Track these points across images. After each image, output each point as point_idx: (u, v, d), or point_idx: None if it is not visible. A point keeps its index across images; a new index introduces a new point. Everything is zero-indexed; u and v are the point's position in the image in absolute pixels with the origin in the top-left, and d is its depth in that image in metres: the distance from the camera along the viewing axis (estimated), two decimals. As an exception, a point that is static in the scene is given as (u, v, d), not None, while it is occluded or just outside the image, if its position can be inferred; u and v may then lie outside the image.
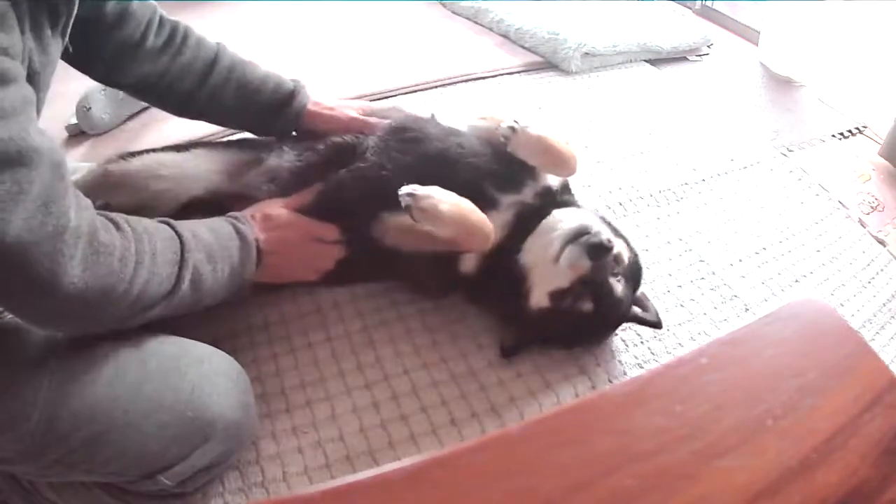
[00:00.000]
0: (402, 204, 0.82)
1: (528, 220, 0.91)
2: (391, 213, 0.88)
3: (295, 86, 1.00)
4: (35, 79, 0.58)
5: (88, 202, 0.62)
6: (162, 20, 0.89)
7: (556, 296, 0.86)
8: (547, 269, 0.87)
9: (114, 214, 0.66)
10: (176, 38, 0.89)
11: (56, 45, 0.62)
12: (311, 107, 1.01)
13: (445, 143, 0.93)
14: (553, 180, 0.97)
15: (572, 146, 0.95)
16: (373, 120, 1.00)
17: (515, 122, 0.91)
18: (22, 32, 0.54)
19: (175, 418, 0.69)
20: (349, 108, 1.03)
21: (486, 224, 0.86)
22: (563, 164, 0.93)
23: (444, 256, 0.90)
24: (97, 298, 0.60)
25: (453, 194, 0.84)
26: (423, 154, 0.92)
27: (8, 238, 0.51)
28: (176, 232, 0.72)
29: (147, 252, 0.66)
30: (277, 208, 0.89)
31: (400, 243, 0.90)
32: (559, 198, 0.97)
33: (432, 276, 0.95)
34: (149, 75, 0.89)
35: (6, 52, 0.51)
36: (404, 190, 0.82)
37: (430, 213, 0.82)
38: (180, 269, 0.70)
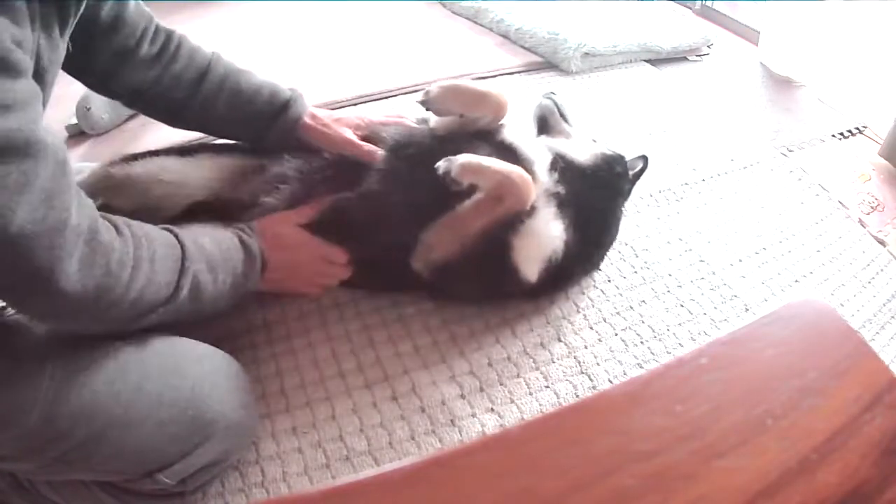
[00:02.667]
0: (441, 171, 0.85)
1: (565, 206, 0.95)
2: (423, 230, 0.91)
3: (291, 95, 0.97)
4: (43, 76, 0.58)
5: (90, 202, 0.62)
6: (157, 29, 0.88)
7: None
8: None
9: (115, 217, 0.66)
10: (170, 46, 0.89)
11: (62, 45, 0.62)
12: (307, 119, 0.98)
13: (444, 153, 0.91)
14: (564, 150, 1.01)
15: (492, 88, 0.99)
16: (367, 146, 0.96)
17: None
18: (33, 29, 0.54)
19: (175, 417, 0.69)
20: (346, 127, 0.99)
21: (523, 171, 0.88)
22: (483, 100, 0.97)
23: (502, 269, 0.92)
24: (92, 299, 0.61)
25: None
26: (428, 170, 0.89)
27: (12, 228, 0.51)
28: (178, 240, 0.73)
29: (146, 258, 0.66)
30: (288, 227, 0.89)
31: (447, 248, 0.90)
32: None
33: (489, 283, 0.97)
34: (142, 83, 0.88)
35: (20, 45, 0.52)
36: (440, 163, 0.86)
37: (471, 165, 0.85)
38: (179, 277, 0.70)
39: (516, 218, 0.90)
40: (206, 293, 0.75)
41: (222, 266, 0.77)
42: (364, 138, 0.98)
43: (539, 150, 0.99)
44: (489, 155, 0.90)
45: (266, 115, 0.96)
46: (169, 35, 0.89)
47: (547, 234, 0.93)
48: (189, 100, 0.92)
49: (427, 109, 0.96)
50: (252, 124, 0.97)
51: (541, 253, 0.93)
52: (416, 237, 0.92)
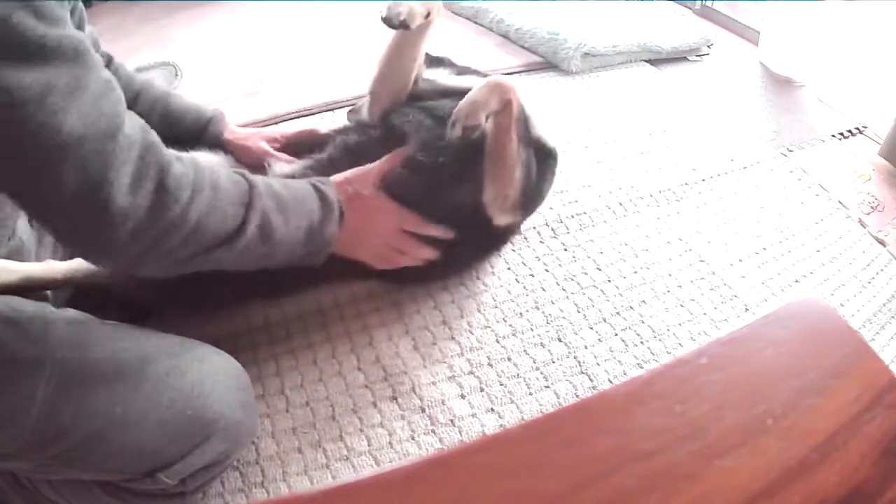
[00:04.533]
0: (456, 134, 0.84)
1: None
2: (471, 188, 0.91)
3: (213, 115, 1.04)
4: None
5: (143, 122, 0.61)
6: (101, 52, 0.89)
7: None
8: None
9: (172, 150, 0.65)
10: (110, 68, 0.89)
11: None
12: (226, 135, 1.05)
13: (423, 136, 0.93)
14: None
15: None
16: (281, 155, 1.03)
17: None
18: None
19: (174, 416, 0.69)
20: (262, 139, 1.06)
21: (490, 78, 0.87)
22: (401, 64, 0.98)
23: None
24: (149, 216, 0.58)
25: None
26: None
27: (64, 128, 0.51)
28: (244, 176, 0.71)
29: (207, 182, 0.64)
30: (368, 187, 0.86)
31: (513, 182, 0.90)
32: None
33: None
34: None
35: None
36: (449, 132, 0.84)
37: (469, 108, 0.84)
38: (247, 210, 0.68)
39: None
40: (278, 234, 0.71)
41: (294, 209, 0.74)
42: (280, 149, 1.05)
43: (468, 79, 1.02)
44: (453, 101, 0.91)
45: (192, 133, 1.02)
46: (110, 58, 0.92)
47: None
48: None
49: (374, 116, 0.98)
50: (179, 142, 0.99)
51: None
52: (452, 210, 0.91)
